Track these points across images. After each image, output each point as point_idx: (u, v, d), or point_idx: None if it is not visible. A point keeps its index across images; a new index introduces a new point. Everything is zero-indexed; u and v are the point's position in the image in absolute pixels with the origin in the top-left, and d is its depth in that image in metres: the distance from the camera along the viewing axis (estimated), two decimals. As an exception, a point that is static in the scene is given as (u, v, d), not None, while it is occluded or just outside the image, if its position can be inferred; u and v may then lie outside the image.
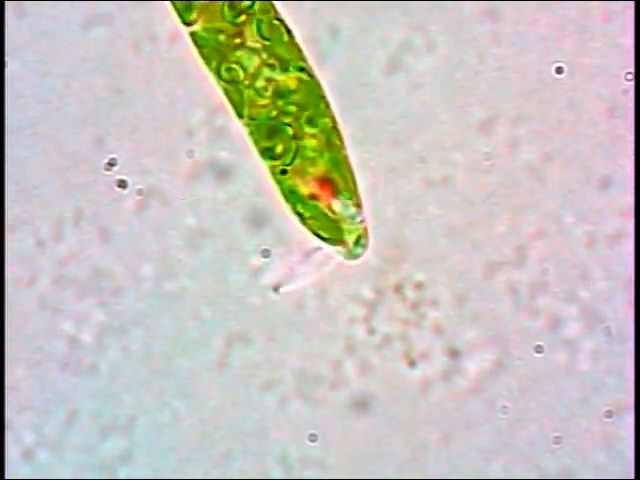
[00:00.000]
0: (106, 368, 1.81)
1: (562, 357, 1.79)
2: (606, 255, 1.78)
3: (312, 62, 1.72)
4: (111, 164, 1.79)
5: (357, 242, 1.72)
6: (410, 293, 1.79)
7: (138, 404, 1.81)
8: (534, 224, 1.79)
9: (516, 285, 1.79)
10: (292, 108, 1.70)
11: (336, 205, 1.71)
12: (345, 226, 1.72)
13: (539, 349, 1.79)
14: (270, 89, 1.70)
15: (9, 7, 1.78)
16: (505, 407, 1.79)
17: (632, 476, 1.76)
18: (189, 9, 1.69)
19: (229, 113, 1.72)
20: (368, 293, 1.78)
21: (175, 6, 1.71)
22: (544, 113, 1.78)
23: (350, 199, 1.71)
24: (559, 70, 1.77)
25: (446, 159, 1.78)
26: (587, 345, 1.79)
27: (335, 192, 1.71)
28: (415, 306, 1.79)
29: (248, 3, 1.70)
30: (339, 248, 1.72)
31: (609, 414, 1.78)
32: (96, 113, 1.80)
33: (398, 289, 1.79)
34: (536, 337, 1.79)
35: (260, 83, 1.70)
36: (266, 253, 1.79)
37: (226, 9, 1.69)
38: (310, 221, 1.72)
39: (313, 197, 1.72)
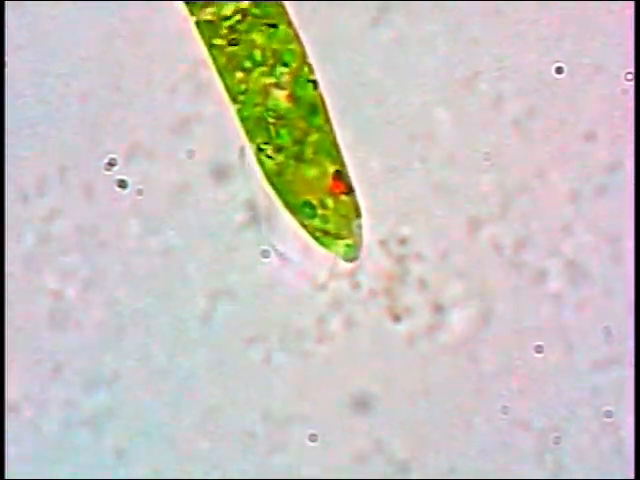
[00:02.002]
0: (91, 324, 1.81)
1: (547, 311, 1.79)
2: (590, 210, 1.78)
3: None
4: (111, 164, 1.79)
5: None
6: (395, 248, 1.79)
7: (122, 358, 1.81)
8: (518, 179, 1.78)
9: (500, 240, 1.79)
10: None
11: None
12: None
13: (539, 349, 1.79)
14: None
15: (9, 7, 1.78)
16: (505, 407, 1.79)
17: (632, 476, 1.76)
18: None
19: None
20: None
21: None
22: (544, 113, 1.78)
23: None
24: (559, 70, 1.77)
25: (430, 115, 1.78)
26: (571, 299, 1.79)
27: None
28: (400, 261, 1.79)
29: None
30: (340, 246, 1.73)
31: (609, 414, 1.78)
32: (96, 113, 1.80)
33: (383, 244, 1.79)
34: (520, 292, 1.79)
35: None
36: (266, 253, 1.79)
37: None
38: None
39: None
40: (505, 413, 1.79)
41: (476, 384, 1.80)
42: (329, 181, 1.73)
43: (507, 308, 1.79)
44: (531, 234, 1.79)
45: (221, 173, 1.79)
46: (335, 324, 1.80)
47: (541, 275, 1.79)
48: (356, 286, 1.79)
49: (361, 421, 1.81)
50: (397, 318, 1.79)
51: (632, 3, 1.75)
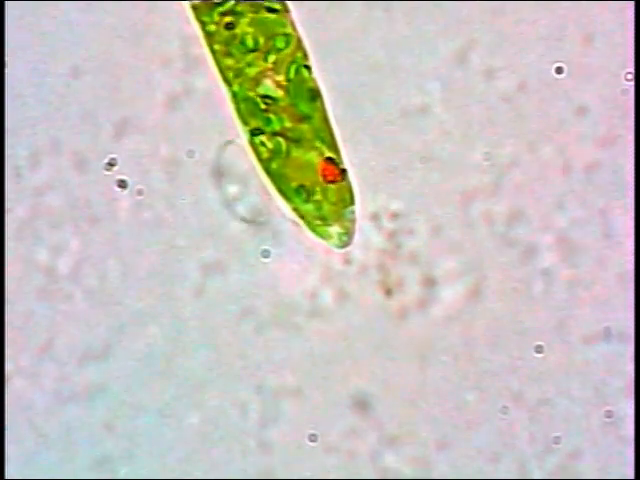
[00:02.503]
0: (82, 297, 1.81)
1: (538, 286, 1.79)
2: (582, 184, 1.78)
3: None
4: (111, 164, 1.79)
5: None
6: (386, 222, 1.79)
7: (114, 332, 1.81)
8: (510, 153, 1.78)
9: (492, 214, 1.79)
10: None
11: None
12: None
13: (539, 349, 1.79)
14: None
15: (9, 7, 1.78)
16: (505, 407, 1.79)
17: (632, 476, 1.76)
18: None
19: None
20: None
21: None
22: (544, 113, 1.78)
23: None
24: (559, 70, 1.77)
25: (423, 88, 1.78)
26: (563, 274, 1.79)
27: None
28: (391, 236, 1.79)
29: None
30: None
31: (609, 414, 1.78)
32: (96, 113, 1.80)
33: (374, 218, 1.79)
34: (512, 267, 1.79)
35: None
36: (266, 253, 1.79)
37: None
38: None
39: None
40: (505, 413, 1.79)
41: (476, 383, 1.80)
42: (320, 168, 1.73)
43: (499, 282, 1.79)
44: (523, 209, 1.79)
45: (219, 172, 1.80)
46: (327, 298, 1.80)
47: (533, 250, 1.79)
48: (348, 261, 1.79)
49: (352, 397, 1.81)
50: (389, 292, 1.79)
51: (632, 3, 1.75)
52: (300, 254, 1.79)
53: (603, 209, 1.78)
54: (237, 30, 1.72)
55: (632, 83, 1.76)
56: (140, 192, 1.80)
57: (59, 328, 1.81)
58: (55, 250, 1.80)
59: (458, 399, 1.80)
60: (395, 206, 1.79)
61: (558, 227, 1.79)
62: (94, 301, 1.81)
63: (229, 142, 1.69)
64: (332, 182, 1.73)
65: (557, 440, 1.79)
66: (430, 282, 1.79)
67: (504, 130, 1.79)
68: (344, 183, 1.75)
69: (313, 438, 1.81)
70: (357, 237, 1.77)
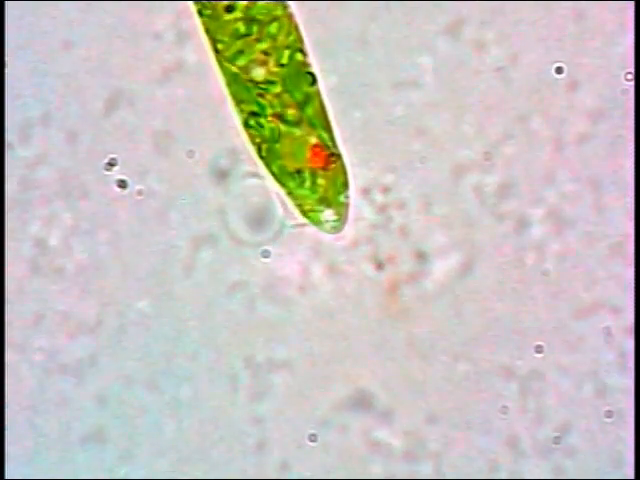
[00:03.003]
0: (74, 270, 1.81)
1: (530, 259, 1.79)
2: (573, 157, 1.78)
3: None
4: (111, 164, 1.79)
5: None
6: (378, 196, 1.79)
7: (105, 306, 1.81)
8: (501, 126, 1.78)
9: (483, 188, 1.79)
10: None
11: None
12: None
13: (539, 349, 1.79)
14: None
15: (9, 7, 1.78)
16: (505, 407, 1.79)
17: (632, 476, 1.76)
18: None
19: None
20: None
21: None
22: (544, 113, 1.78)
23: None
24: (559, 70, 1.77)
25: (414, 62, 1.78)
26: (554, 247, 1.79)
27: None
28: (382, 209, 1.79)
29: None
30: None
31: (609, 414, 1.78)
32: (96, 113, 1.80)
33: (366, 192, 1.79)
34: (502, 239, 1.79)
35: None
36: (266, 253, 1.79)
37: None
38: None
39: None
40: (505, 413, 1.79)
41: (476, 383, 1.80)
42: (309, 155, 1.73)
43: (490, 256, 1.79)
44: (514, 182, 1.79)
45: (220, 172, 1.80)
46: (318, 272, 1.80)
47: (524, 223, 1.79)
48: (339, 235, 1.79)
49: (342, 369, 1.81)
50: (380, 266, 1.79)
51: (632, 3, 1.75)
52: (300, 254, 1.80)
53: (594, 182, 1.78)
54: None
55: (632, 83, 1.76)
56: (140, 192, 1.80)
57: (50, 301, 1.81)
58: (46, 223, 1.80)
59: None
60: (386, 180, 1.79)
61: (549, 201, 1.79)
62: (85, 274, 1.81)
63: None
64: (322, 168, 1.73)
65: (557, 440, 1.79)
66: (421, 256, 1.79)
67: (495, 104, 1.79)
68: (338, 166, 1.75)
69: (313, 438, 1.81)
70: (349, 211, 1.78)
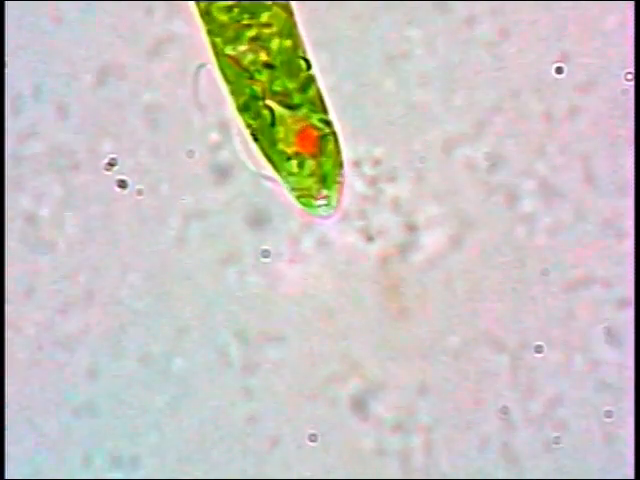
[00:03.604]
0: (64, 244, 1.81)
1: (521, 231, 1.79)
2: (563, 129, 1.78)
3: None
4: (111, 164, 1.79)
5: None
6: (368, 169, 1.79)
7: (96, 279, 1.81)
8: (491, 99, 1.78)
9: (473, 160, 1.79)
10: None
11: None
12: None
13: (539, 349, 1.79)
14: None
15: (9, 7, 1.78)
16: (505, 407, 1.80)
17: (632, 476, 1.76)
18: None
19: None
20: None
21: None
22: (544, 113, 1.78)
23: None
24: (559, 70, 1.77)
25: (404, 35, 1.78)
26: (545, 220, 1.79)
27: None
28: (373, 182, 1.79)
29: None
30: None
31: (609, 414, 1.78)
32: (96, 113, 1.80)
33: (357, 165, 1.79)
34: (493, 211, 1.79)
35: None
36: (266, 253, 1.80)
37: None
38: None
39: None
40: (505, 413, 1.79)
41: (476, 383, 1.80)
42: (297, 139, 1.74)
43: (481, 228, 1.79)
44: (505, 154, 1.79)
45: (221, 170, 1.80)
46: (308, 244, 1.80)
47: (515, 195, 1.79)
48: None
49: (330, 343, 1.81)
50: (370, 238, 1.79)
51: (632, 3, 1.75)
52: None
53: (584, 154, 1.78)
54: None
55: (632, 83, 1.76)
56: (140, 192, 1.80)
57: (41, 274, 1.82)
58: (37, 197, 1.80)
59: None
60: (378, 152, 1.79)
61: (540, 173, 1.79)
62: (75, 246, 1.81)
63: (201, 65, 1.69)
64: (311, 154, 1.73)
65: (557, 440, 1.79)
66: (412, 228, 1.79)
67: (486, 76, 1.79)
68: (332, 147, 1.75)
69: (313, 438, 1.81)
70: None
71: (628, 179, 1.77)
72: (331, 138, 1.75)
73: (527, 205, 1.79)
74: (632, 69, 1.76)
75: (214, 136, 1.79)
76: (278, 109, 1.73)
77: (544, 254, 1.79)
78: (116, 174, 1.80)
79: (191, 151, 1.79)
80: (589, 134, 1.77)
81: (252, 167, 1.75)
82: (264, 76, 1.72)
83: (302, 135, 1.73)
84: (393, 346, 1.80)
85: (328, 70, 1.77)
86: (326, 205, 1.75)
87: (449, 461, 1.80)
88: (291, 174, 1.74)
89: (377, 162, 1.79)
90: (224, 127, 1.78)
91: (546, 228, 1.79)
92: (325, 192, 1.75)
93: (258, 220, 1.79)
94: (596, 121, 1.77)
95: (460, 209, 1.79)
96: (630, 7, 1.76)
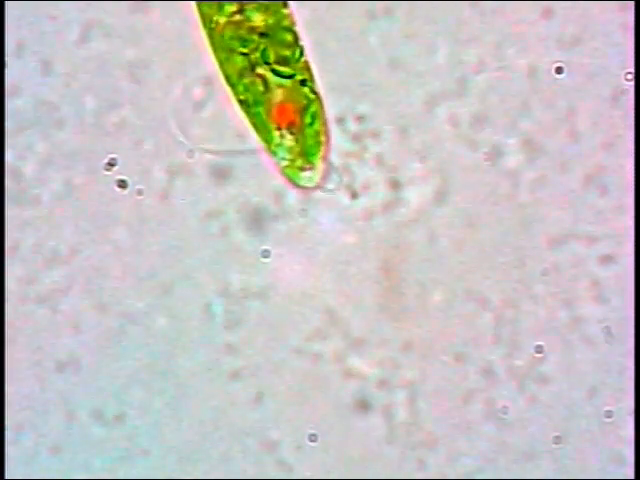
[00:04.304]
0: (48, 200, 1.81)
1: (504, 187, 1.79)
2: (547, 86, 1.78)
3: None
4: (111, 164, 1.79)
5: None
6: (351, 125, 1.79)
7: (79, 236, 1.82)
8: (475, 55, 1.78)
9: (457, 117, 1.79)
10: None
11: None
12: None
13: (539, 349, 1.79)
14: None
15: (9, 7, 1.78)
16: (505, 407, 1.79)
17: (632, 476, 1.76)
18: None
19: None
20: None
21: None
22: (544, 113, 1.78)
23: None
24: (559, 70, 1.77)
25: None
26: (528, 176, 1.79)
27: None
28: (357, 138, 1.79)
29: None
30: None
31: (609, 414, 1.78)
32: (96, 113, 1.80)
33: (340, 121, 1.79)
34: (476, 168, 1.80)
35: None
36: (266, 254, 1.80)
37: None
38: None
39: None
40: (505, 413, 1.79)
41: (474, 384, 1.80)
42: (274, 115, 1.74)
43: (464, 184, 1.80)
44: (490, 110, 1.79)
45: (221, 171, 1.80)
46: (292, 201, 1.80)
47: (498, 152, 1.79)
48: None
49: (317, 298, 1.82)
50: (354, 195, 1.79)
51: (632, 3, 1.75)
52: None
53: (571, 111, 1.78)
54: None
55: (632, 83, 1.76)
56: (140, 192, 1.80)
57: (24, 230, 1.82)
58: (21, 153, 1.81)
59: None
60: (361, 109, 1.79)
61: (523, 129, 1.79)
62: (59, 203, 1.81)
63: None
64: (289, 124, 1.73)
65: (557, 440, 1.79)
66: (395, 185, 1.79)
67: (471, 31, 1.79)
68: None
69: (313, 438, 1.81)
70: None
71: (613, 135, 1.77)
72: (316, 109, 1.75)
73: (510, 161, 1.79)
74: (632, 69, 1.76)
75: (198, 91, 1.79)
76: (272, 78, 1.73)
77: (527, 210, 1.80)
78: (116, 174, 1.80)
79: (191, 151, 1.79)
80: (576, 90, 1.78)
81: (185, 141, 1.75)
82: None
83: (279, 110, 1.73)
84: (378, 302, 1.81)
85: (310, 26, 1.77)
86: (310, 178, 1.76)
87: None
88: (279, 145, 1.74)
89: (360, 119, 1.79)
90: (208, 83, 1.78)
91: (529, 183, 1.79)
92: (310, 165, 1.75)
93: (258, 220, 1.79)
94: (596, 121, 1.78)
95: (443, 165, 1.79)
96: (630, 7, 1.76)
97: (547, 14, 1.77)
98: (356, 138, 1.79)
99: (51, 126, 1.81)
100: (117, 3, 1.79)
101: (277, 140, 1.75)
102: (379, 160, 1.79)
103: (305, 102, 1.74)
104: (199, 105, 1.79)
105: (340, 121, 1.78)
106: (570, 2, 1.77)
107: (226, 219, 1.80)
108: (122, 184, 1.80)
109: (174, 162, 1.79)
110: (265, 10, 1.72)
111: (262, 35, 1.73)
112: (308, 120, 1.75)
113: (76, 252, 1.81)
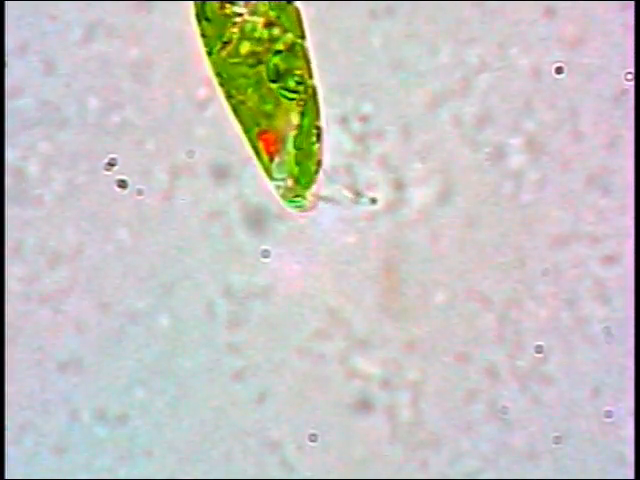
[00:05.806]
0: (50, 200, 1.81)
1: (508, 188, 1.79)
2: (551, 86, 1.78)
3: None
4: (111, 164, 1.79)
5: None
6: (355, 125, 1.79)
7: (81, 236, 1.81)
8: (478, 55, 1.79)
9: (461, 117, 1.79)
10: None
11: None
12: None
13: (539, 349, 1.79)
14: None
15: (9, 7, 1.78)
16: (505, 407, 1.80)
17: (632, 476, 1.76)
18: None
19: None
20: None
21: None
22: (544, 113, 1.78)
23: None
24: (559, 70, 1.77)
25: None
26: (530, 176, 1.79)
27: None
28: (360, 139, 1.79)
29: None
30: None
31: (609, 414, 1.79)
32: (96, 114, 1.80)
33: (343, 121, 1.79)
34: (478, 169, 1.80)
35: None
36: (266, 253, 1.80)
37: None
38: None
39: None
40: (505, 413, 1.80)
41: (475, 383, 1.80)
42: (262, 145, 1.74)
43: (466, 184, 1.80)
44: (492, 111, 1.79)
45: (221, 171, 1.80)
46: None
47: (502, 152, 1.79)
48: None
49: (317, 298, 1.81)
50: (358, 195, 1.79)
51: (632, 3, 1.76)
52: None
53: (572, 112, 1.79)
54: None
55: (632, 83, 1.76)
56: (140, 192, 1.80)
57: (27, 230, 1.82)
58: (24, 152, 1.80)
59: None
60: (364, 109, 1.79)
61: (525, 130, 1.79)
62: (62, 202, 1.81)
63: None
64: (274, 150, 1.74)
65: (557, 440, 1.80)
66: (399, 185, 1.79)
67: (473, 31, 1.79)
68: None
69: (313, 438, 1.81)
70: (326, 139, 1.78)
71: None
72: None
73: (514, 161, 1.79)
74: (632, 69, 1.76)
75: (202, 91, 1.79)
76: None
77: (529, 210, 1.80)
78: (116, 174, 1.80)
79: (191, 151, 1.79)
80: (579, 90, 1.78)
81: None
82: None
83: (263, 138, 1.73)
84: (379, 302, 1.81)
85: (314, 24, 1.77)
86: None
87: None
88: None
89: (364, 119, 1.79)
90: (210, 83, 1.78)
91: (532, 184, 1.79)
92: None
93: (258, 220, 1.79)
94: (597, 121, 1.78)
95: (446, 165, 1.79)
96: (630, 7, 1.76)
97: (548, 14, 1.77)
98: (360, 138, 1.79)
99: (53, 126, 1.80)
100: (119, 3, 1.79)
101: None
102: (381, 160, 1.79)
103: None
104: (204, 103, 1.79)
105: (343, 121, 1.78)
106: (571, 2, 1.77)
107: (226, 219, 1.80)
108: (122, 184, 1.80)
109: (175, 162, 1.79)
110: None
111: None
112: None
113: (77, 252, 1.81)
